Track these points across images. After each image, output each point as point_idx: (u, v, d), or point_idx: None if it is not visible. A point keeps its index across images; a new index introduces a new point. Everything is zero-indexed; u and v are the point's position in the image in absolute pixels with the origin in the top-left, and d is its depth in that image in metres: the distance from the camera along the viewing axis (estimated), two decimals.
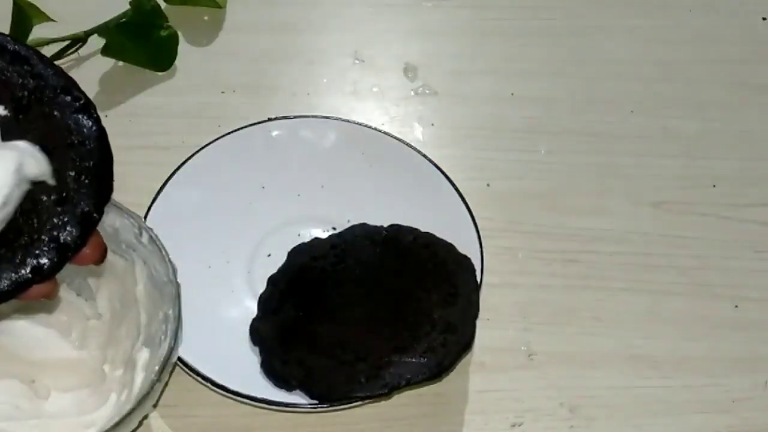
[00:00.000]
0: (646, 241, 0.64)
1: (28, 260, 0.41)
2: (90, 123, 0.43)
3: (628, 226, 0.65)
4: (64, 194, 0.42)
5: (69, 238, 0.41)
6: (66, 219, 0.42)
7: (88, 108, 0.43)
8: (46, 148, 0.42)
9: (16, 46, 0.43)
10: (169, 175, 0.61)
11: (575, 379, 0.58)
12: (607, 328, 0.60)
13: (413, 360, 0.54)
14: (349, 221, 0.61)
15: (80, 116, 0.43)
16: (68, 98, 0.43)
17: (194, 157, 0.62)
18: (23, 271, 0.41)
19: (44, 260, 0.41)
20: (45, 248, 0.41)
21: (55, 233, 0.41)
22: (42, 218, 0.41)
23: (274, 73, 0.72)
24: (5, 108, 0.42)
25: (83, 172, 0.42)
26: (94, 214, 0.42)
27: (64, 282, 0.54)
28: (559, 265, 0.62)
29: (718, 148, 0.70)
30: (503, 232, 0.63)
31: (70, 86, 0.43)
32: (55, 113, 0.42)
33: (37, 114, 0.42)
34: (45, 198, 0.42)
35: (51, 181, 0.41)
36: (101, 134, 0.43)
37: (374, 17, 0.77)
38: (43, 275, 0.41)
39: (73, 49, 0.69)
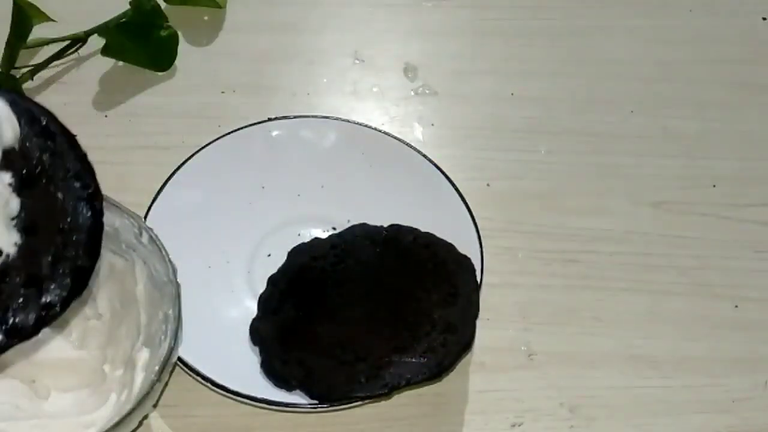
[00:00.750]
0: (646, 241, 0.64)
1: None
2: (88, 214, 0.42)
3: (628, 226, 0.65)
4: (33, 277, 0.40)
5: (21, 325, 0.40)
6: (26, 304, 0.40)
7: (93, 199, 0.42)
8: (34, 226, 0.41)
9: (48, 123, 0.42)
10: (169, 175, 0.61)
11: (575, 379, 0.58)
12: (607, 328, 0.60)
13: (413, 360, 0.54)
14: (349, 221, 0.61)
15: (81, 204, 0.42)
16: (77, 184, 0.42)
17: (194, 157, 0.62)
18: None
19: None
20: None
21: (9, 315, 0.40)
22: (2, 294, 0.40)
23: (274, 73, 0.72)
24: (12, 176, 0.41)
25: (62, 261, 0.41)
26: (57, 308, 0.41)
27: None
28: (559, 265, 0.62)
29: (718, 148, 0.70)
30: (503, 232, 0.63)
31: (85, 173, 0.42)
32: (59, 194, 0.41)
33: (41, 190, 0.41)
34: (14, 275, 0.40)
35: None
36: (96, 229, 0.42)
37: (374, 17, 0.77)
38: None
39: (73, 49, 0.69)
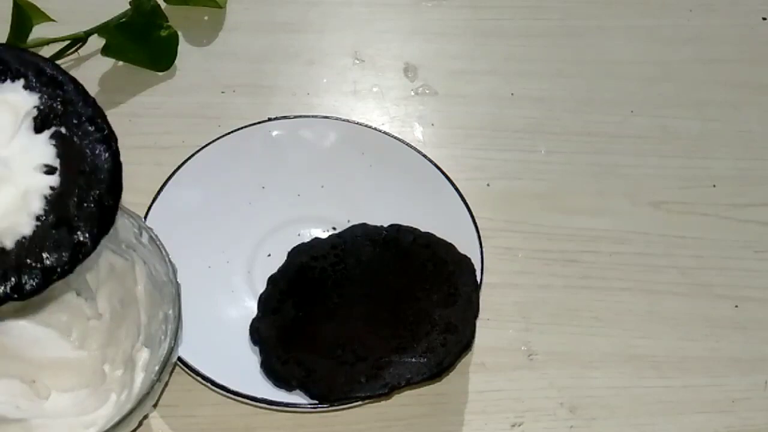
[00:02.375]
0: (646, 241, 0.64)
1: (11, 277, 0.41)
2: (107, 155, 0.44)
3: (628, 226, 0.65)
4: (62, 218, 0.42)
5: (56, 264, 0.41)
6: (58, 243, 0.42)
7: (109, 140, 0.44)
8: (57, 170, 0.42)
9: (54, 71, 0.44)
10: (169, 175, 0.61)
11: (575, 379, 0.58)
12: (607, 328, 0.60)
13: (413, 360, 0.54)
14: (349, 221, 0.61)
15: (99, 146, 0.44)
16: (92, 127, 0.44)
17: (194, 157, 0.62)
18: (2, 288, 0.41)
19: (26, 280, 0.41)
20: (30, 268, 0.41)
21: (44, 255, 0.41)
22: (35, 238, 0.42)
23: (274, 73, 0.72)
24: (31, 124, 0.43)
25: (87, 200, 0.43)
26: (89, 244, 0.42)
27: (65, 282, 0.54)
28: (559, 265, 0.62)
29: (718, 148, 0.70)
30: (503, 232, 0.63)
31: (97, 116, 0.44)
32: (75, 139, 0.43)
33: (58, 136, 0.43)
34: (42, 217, 0.42)
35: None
36: (116, 168, 0.44)
37: (374, 17, 0.77)
38: (22, 295, 0.41)
39: (73, 49, 0.69)
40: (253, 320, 0.56)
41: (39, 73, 0.44)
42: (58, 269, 0.42)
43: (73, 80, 0.45)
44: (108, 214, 0.43)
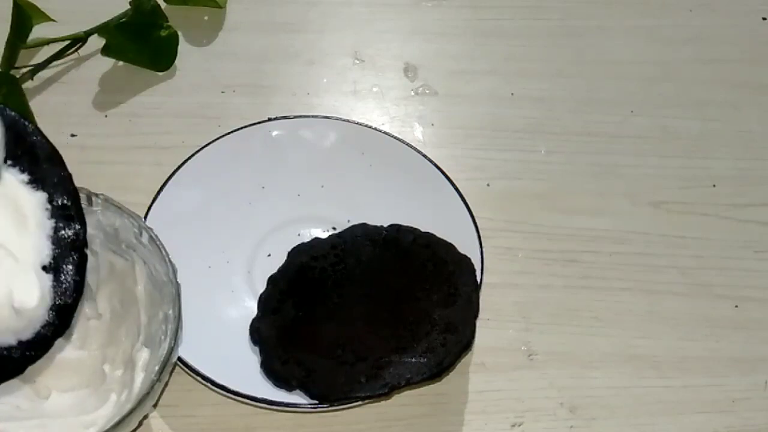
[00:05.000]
0: (646, 241, 0.64)
1: None
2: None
3: (628, 226, 0.65)
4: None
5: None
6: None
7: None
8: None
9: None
10: (169, 175, 0.61)
11: (575, 379, 0.58)
12: (607, 328, 0.60)
13: (413, 360, 0.54)
14: (349, 221, 0.61)
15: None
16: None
17: (194, 157, 0.62)
18: None
19: None
20: None
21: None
22: None
23: (274, 73, 0.72)
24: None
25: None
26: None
27: None
28: (559, 265, 0.62)
29: (718, 148, 0.70)
30: (503, 232, 0.63)
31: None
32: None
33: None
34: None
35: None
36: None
37: (374, 17, 0.77)
38: None
39: (73, 49, 0.69)
40: (253, 320, 0.56)
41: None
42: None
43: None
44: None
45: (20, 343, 0.43)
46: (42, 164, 0.44)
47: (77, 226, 0.44)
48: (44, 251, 0.43)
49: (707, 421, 0.57)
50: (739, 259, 0.64)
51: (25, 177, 0.44)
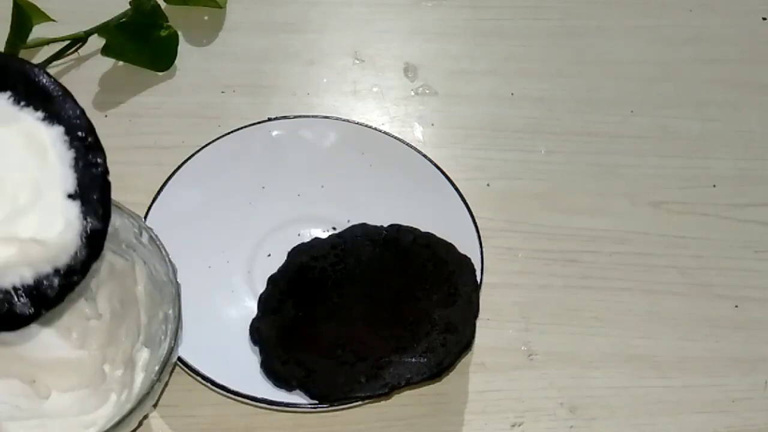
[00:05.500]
0: (646, 241, 0.64)
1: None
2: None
3: (628, 226, 0.65)
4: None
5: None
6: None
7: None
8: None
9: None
10: (169, 175, 0.61)
11: (575, 379, 0.58)
12: (607, 328, 0.60)
13: (413, 360, 0.54)
14: (349, 221, 0.61)
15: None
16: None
17: (194, 157, 0.62)
18: None
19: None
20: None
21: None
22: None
23: (274, 73, 0.72)
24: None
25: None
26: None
27: None
28: (559, 265, 0.62)
29: (718, 148, 0.70)
30: (503, 232, 0.63)
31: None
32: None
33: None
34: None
35: None
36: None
37: (374, 17, 0.77)
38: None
39: (73, 49, 0.69)
40: (253, 320, 0.56)
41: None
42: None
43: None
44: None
45: (56, 270, 0.44)
46: (55, 102, 0.45)
47: (97, 154, 0.45)
48: (68, 180, 0.44)
49: (707, 421, 0.57)
50: (739, 259, 0.64)
51: (40, 114, 0.44)
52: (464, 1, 0.78)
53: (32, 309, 0.43)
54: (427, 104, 0.71)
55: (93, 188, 0.44)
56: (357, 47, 0.74)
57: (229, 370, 0.54)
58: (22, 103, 0.44)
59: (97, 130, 0.66)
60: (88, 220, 0.44)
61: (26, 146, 0.44)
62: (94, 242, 0.44)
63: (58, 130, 0.44)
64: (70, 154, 0.44)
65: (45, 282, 0.43)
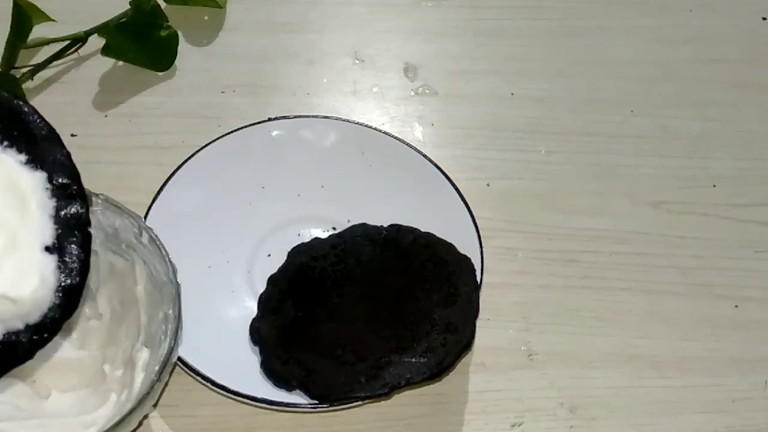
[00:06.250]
0: (646, 241, 0.64)
1: None
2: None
3: (628, 226, 0.65)
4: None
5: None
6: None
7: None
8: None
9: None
10: (169, 175, 0.61)
11: (575, 379, 0.58)
12: (607, 328, 0.60)
13: (413, 360, 0.54)
14: (349, 221, 0.61)
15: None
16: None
17: (194, 157, 0.62)
18: None
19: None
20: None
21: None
22: None
23: (274, 73, 0.72)
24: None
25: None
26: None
27: None
28: (559, 265, 0.62)
29: (718, 148, 0.70)
30: (503, 232, 0.63)
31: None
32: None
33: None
34: None
35: None
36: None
37: (374, 17, 0.77)
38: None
39: (73, 49, 0.69)
40: (253, 320, 0.56)
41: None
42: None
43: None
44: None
45: (27, 326, 0.42)
46: (40, 144, 0.43)
47: (80, 205, 0.43)
48: (47, 231, 0.42)
49: (707, 421, 0.57)
50: (739, 259, 0.64)
51: (23, 157, 0.42)
52: (464, 1, 0.78)
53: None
54: (427, 104, 0.71)
55: (72, 241, 0.42)
56: (357, 47, 0.74)
57: (229, 370, 0.54)
58: (5, 144, 0.42)
59: (97, 130, 0.67)
60: (64, 276, 0.42)
61: (5, 192, 0.42)
62: (69, 299, 0.42)
63: (40, 177, 0.42)
64: (51, 204, 0.42)
65: (14, 338, 0.42)
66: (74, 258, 0.42)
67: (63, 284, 0.42)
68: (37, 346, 0.42)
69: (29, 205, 0.42)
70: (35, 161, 0.42)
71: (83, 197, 0.43)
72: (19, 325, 0.42)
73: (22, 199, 0.42)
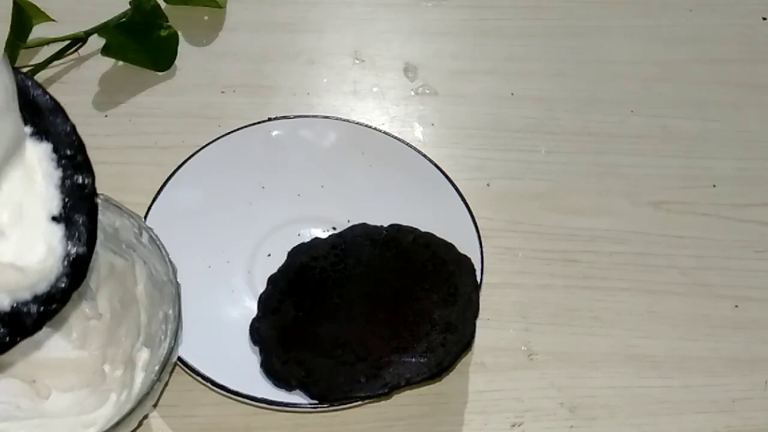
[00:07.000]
0: (646, 241, 0.64)
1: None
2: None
3: (628, 226, 0.65)
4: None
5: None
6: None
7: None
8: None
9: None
10: (169, 175, 0.61)
11: (575, 379, 0.58)
12: (607, 328, 0.60)
13: (413, 360, 0.54)
14: (349, 221, 0.61)
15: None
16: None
17: (194, 157, 0.62)
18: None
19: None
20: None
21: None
22: None
23: (274, 73, 0.72)
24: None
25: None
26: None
27: None
28: (559, 265, 0.62)
29: (718, 148, 0.70)
30: (503, 232, 0.63)
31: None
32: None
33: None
34: None
35: None
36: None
37: (374, 17, 0.77)
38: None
39: (73, 49, 0.69)
40: (253, 320, 0.56)
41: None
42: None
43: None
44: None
45: (36, 297, 0.41)
46: (45, 116, 0.42)
47: (86, 175, 0.42)
48: (53, 201, 0.42)
49: (707, 421, 0.57)
50: (739, 259, 0.64)
51: (29, 129, 0.42)
52: (464, 1, 0.78)
53: (8, 338, 0.41)
54: (427, 104, 0.71)
55: (79, 211, 0.42)
56: (357, 47, 0.74)
57: (229, 370, 0.54)
58: None
59: (97, 130, 0.67)
60: (72, 245, 0.42)
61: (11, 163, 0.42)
62: (76, 269, 0.42)
63: (46, 148, 0.42)
64: (57, 174, 0.42)
65: (23, 309, 0.41)
66: (81, 227, 0.42)
67: (70, 253, 0.42)
68: (46, 317, 0.42)
69: (35, 175, 0.42)
70: (40, 133, 0.42)
71: (89, 168, 0.43)
72: (27, 296, 0.41)
73: (28, 170, 0.42)
